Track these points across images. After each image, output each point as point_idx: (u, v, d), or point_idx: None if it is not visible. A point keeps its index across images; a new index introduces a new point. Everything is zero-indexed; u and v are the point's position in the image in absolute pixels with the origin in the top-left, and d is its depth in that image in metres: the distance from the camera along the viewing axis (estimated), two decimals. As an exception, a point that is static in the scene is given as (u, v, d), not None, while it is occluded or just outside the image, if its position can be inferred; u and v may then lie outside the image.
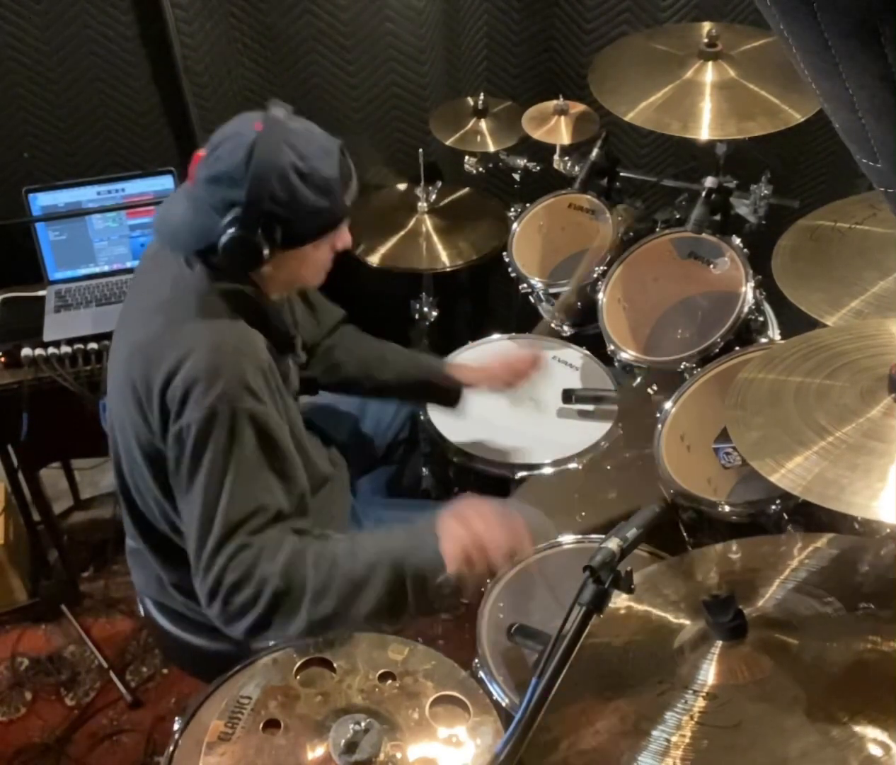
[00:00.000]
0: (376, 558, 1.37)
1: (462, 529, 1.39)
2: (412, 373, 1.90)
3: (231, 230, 1.36)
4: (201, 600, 1.38)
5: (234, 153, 1.36)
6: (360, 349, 1.91)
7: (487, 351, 2.15)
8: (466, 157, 2.43)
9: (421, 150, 2.38)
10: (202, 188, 1.40)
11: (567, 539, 1.68)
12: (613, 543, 1.04)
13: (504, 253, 2.24)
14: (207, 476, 1.34)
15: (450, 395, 1.90)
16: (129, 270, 2.35)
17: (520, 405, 2.01)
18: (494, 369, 1.91)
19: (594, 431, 1.92)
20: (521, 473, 1.83)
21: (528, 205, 2.30)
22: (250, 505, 1.34)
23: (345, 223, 1.49)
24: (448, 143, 2.38)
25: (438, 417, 1.96)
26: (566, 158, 2.30)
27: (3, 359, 2.12)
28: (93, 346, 2.10)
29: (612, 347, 1.98)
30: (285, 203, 1.37)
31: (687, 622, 1.19)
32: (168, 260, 1.47)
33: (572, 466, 1.84)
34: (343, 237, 1.52)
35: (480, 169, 2.44)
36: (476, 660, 1.45)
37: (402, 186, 2.59)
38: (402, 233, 2.42)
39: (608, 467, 1.95)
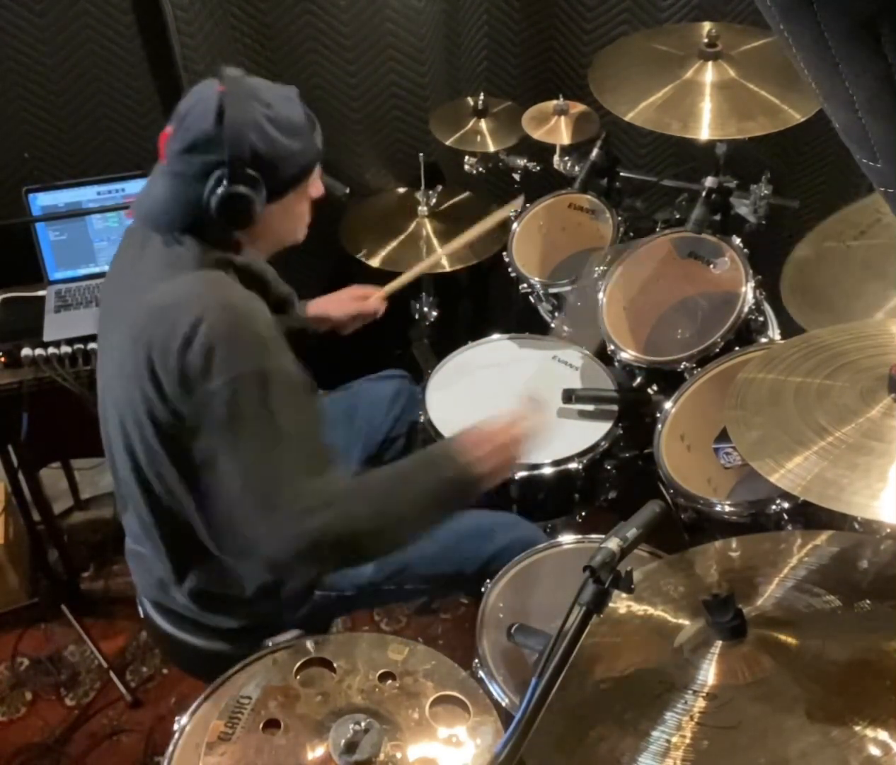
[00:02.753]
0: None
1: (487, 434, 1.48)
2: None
3: (219, 190, 1.38)
4: (272, 549, 1.37)
5: (204, 118, 1.38)
6: None
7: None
8: (466, 158, 2.43)
9: (421, 154, 2.38)
10: (178, 162, 1.41)
11: (567, 539, 1.68)
12: (613, 543, 1.04)
13: (504, 253, 2.24)
14: (247, 437, 1.33)
15: (310, 335, 1.96)
16: (129, 270, 2.35)
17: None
18: (347, 306, 2.00)
19: (594, 431, 1.91)
20: (521, 473, 1.83)
21: (528, 205, 2.30)
22: (290, 459, 1.34)
23: (317, 168, 1.53)
24: (448, 143, 2.38)
25: (439, 417, 1.96)
26: (566, 158, 2.30)
27: (3, 359, 2.12)
28: (93, 346, 2.10)
29: (612, 347, 1.98)
30: (265, 152, 1.39)
31: (686, 622, 1.20)
32: (151, 241, 1.46)
33: (572, 466, 1.84)
34: (316, 184, 1.56)
35: (480, 169, 2.44)
36: (476, 660, 1.45)
37: (402, 190, 2.59)
38: (403, 236, 2.43)
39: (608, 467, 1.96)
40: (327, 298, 2.01)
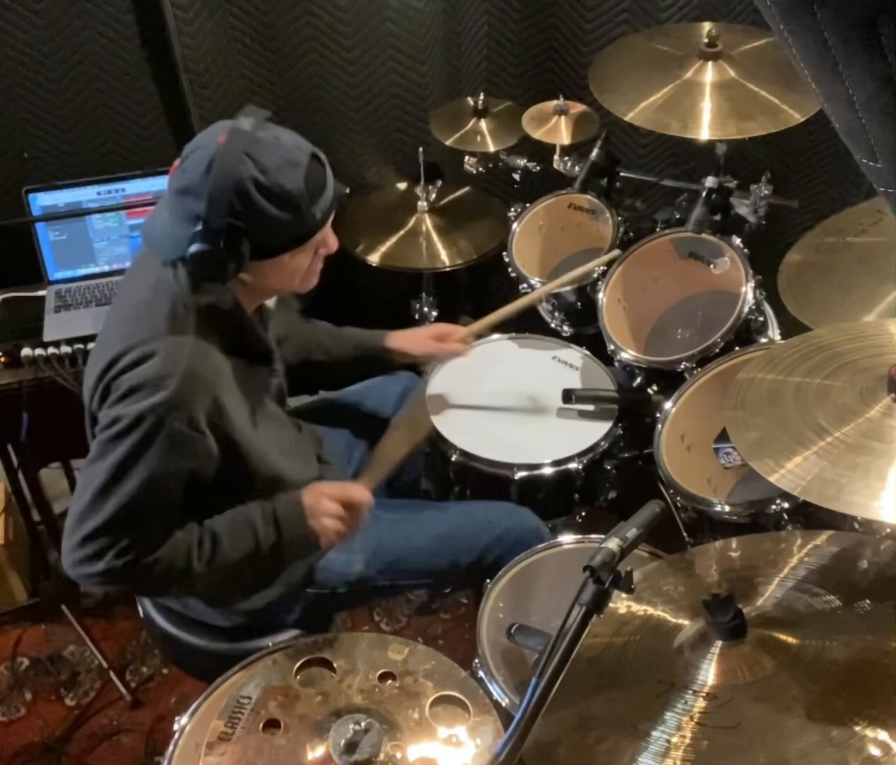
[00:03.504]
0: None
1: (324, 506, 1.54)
2: (350, 352, 1.94)
3: (196, 243, 1.37)
4: (69, 554, 1.43)
5: (198, 166, 1.37)
6: (296, 331, 1.91)
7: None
8: (466, 157, 2.43)
9: (421, 149, 2.38)
10: (173, 199, 1.41)
11: (567, 539, 1.68)
12: (613, 544, 1.04)
13: (504, 253, 2.24)
14: (114, 466, 1.38)
15: (385, 366, 1.98)
16: (129, 270, 2.35)
17: (520, 405, 2.01)
18: (428, 346, 1.96)
19: (594, 431, 1.91)
20: (521, 473, 1.83)
21: (528, 205, 2.30)
22: (135, 516, 1.40)
23: (322, 231, 1.47)
24: (448, 143, 2.38)
25: (438, 417, 1.96)
26: (566, 158, 2.30)
27: (3, 359, 2.12)
28: (93, 346, 2.10)
29: (612, 347, 1.98)
30: (245, 216, 1.36)
31: (686, 622, 1.20)
32: (153, 263, 1.48)
33: (572, 466, 1.84)
34: (327, 243, 1.51)
35: (480, 169, 2.44)
36: (476, 660, 1.45)
37: (402, 186, 2.59)
38: (402, 232, 2.42)
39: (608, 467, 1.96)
40: (409, 333, 1.97)
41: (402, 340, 1.94)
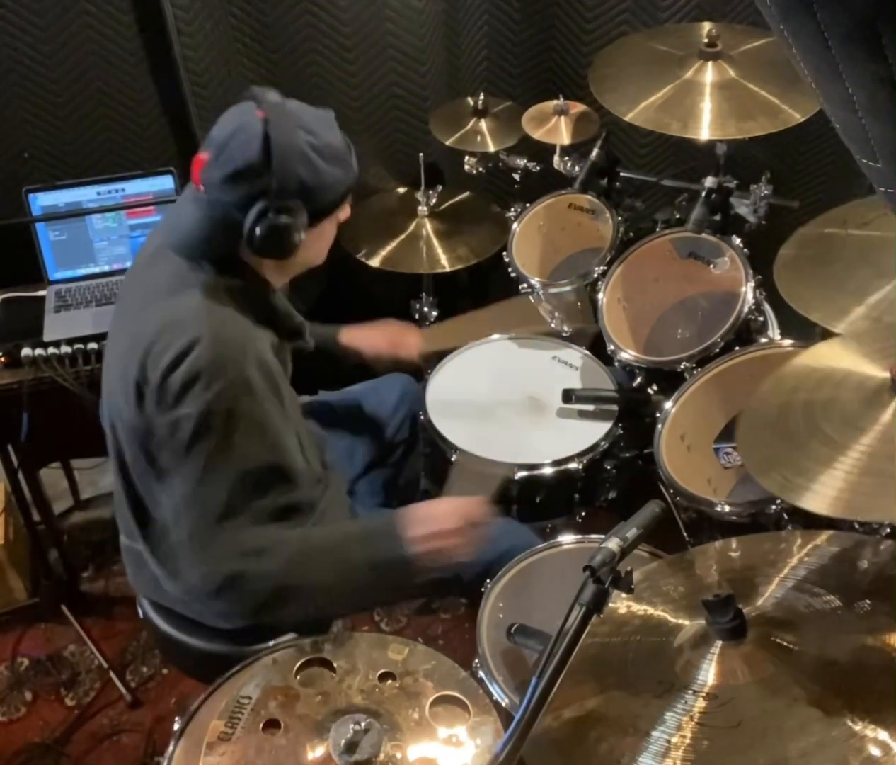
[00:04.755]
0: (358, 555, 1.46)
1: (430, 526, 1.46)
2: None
3: (264, 221, 1.36)
4: (190, 578, 1.40)
5: (248, 146, 1.36)
6: None
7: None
8: (466, 158, 2.43)
9: (421, 154, 2.38)
10: (218, 190, 1.39)
11: (567, 539, 1.68)
12: (613, 543, 1.04)
13: (504, 253, 2.24)
14: (200, 468, 1.35)
15: (336, 360, 1.94)
16: (129, 270, 2.35)
17: (520, 405, 2.01)
18: (378, 346, 1.94)
19: (594, 431, 1.92)
20: (521, 473, 1.83)
21: (528, 205, 2.30)
22: (235, 501, 1.37)
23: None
24: (448, 143, 2.38)
25: (438, 417, 1.96)
26: (566, 158, 2.30)
27: (3, 359, 2.12)
28: (93, 346, 2.10)
29: (612, 347, 1.98)
30: (311, 181, 1.38)
31: (686, 622, 1.19)
32: (169, 258, 1.47)
33: (572, 466, 1.84)
34: (346, 208, 1.54)
35: (480, 169, 2.44)
36: (476, 660, 1.45)
37: (402, 190, 2.59)
38: (403, 236, 2.43)
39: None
40: (363, 331, 1.95)
41: (355, 337, 1.94)
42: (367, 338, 1.95)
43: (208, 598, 1.40)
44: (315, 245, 1.51)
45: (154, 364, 1.37)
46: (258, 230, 1.37)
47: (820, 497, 1.19)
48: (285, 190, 1.36)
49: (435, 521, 1.47)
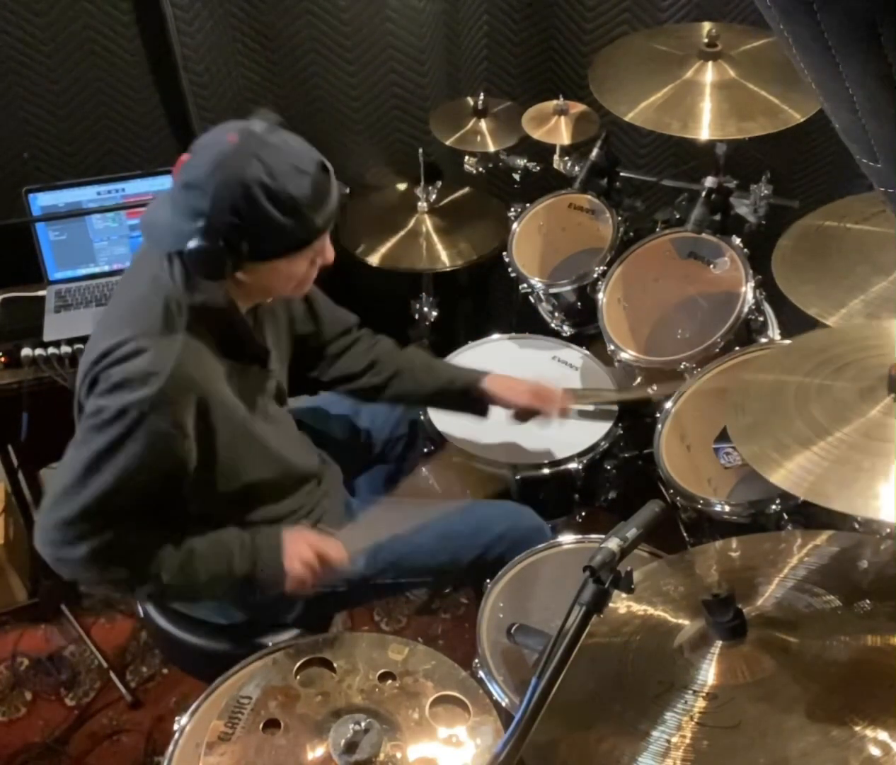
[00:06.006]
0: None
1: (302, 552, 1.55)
2: (442, 386, 1.88)
3: (196, 239, 1.37)
4: (44, 532, 1.45)
5: (205, 162, 1.37)
6: (400, 358, 1.90)
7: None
8: (466, 157, 2.43)
9: (421, 149, 2.38)
10: (178, 192, 1.41)
11: (567, 539, 1.68)
12: (613, 544, 1.04)
13: (504, 253, 2.24)
14: (93, 456, 1.40)
15: (479, 407, 1.88)
16: (129, 270, 2.35)
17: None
18: (527, 400, 1.86)
19: (594, 431, 1.91)
20: (521, 474, 1.83)
21: (528, 205, 2.30)
22: (109, 508, 1.41)
23: (321, 240, 1.47)
24: (448, 143, 2.38)
25: (438, 416, 1.96)
26: (566, 158, 2.30)
27: (3, 359, 2.12)
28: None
29: (612, 347, 1.98)
30: (248, 217, 1.36)
31: (686, 622, 1.20)
32: (153, 259, 1.49)
33: (572, 466, 1.84)
34: (324, 253, 1.52)
35: (480, 169, 2.44)
36: (476, 660, 1.45)
37: (402, 186, 2.58)
38: (402, 233, 2.42)
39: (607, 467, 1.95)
40: (509, 381, 1.87)
41: (502, 387, 1.86)
42: (511, 388, 1.86)
43: (52, 563, 1.46)
44: (270, 279, 1.49)
45: (105, 358, 1.42)
46: (190, 243, 1.37)
47: (788, 475, 1.19)
48: (217, 216, 1.35)
49: (293, 552, 1.55)
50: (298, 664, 1.35)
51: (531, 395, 1.85)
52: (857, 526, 1.42)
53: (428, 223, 2.44)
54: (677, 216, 2.23)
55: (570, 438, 1.90)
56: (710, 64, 2.04)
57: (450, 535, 1.74)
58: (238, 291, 1.50)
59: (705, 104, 1.96)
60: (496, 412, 1.97)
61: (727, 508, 1.61)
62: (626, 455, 1.98)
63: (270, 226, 1.38)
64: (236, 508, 1.59)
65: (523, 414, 1.86)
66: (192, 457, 1.46)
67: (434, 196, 2.46)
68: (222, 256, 1.38)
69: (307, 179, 1.38)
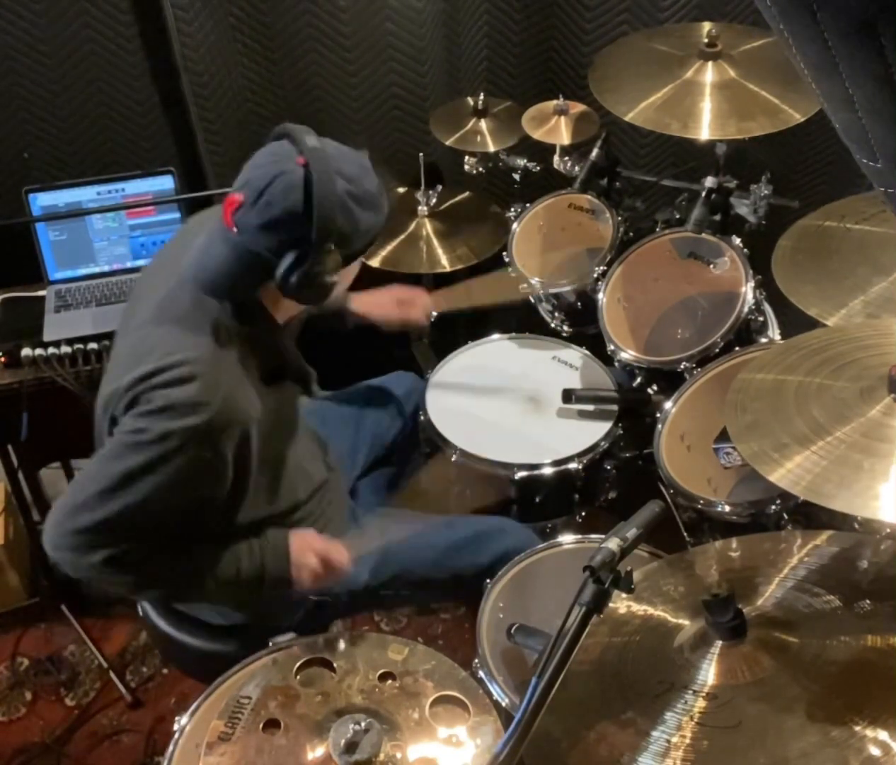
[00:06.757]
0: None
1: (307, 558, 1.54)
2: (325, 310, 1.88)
3: (300, 268, 1.35)
4: (58, 536, 1.42)
5: (289, 195, 1.33)
6: None
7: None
8: (466, 158, 2.43)
9: (421, 154, 2.38)
10: (253, 236, 1.36)
11: (567, 539, 1.68)
12: (613, 544, 1.04)
13: (504, 253, 2.24)
14: (125, 472, 1.36)
15: (342, 323, 1.97)
16: (129, 270, 2.34)
17: (520, 405, 2.01)
18: (389, 311, 1.97)
19: (594, 431, 1.91)
20: (521, 474, 1.83)
21: (528, 205, 2.30)
22: (132, 526, 1.40)
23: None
24: (448, 143, 2.38)
25: (438, 416, 1.96)
26: (566, 158, 2.30)
27: (3, 359, 2.12)
28: (93, 346, 2.10)
29: (612, 347, 1.98)
30: (348, 229, 1.37)
31: (686, 622, 1.20)
32: (193, 291, 1.44)
33: (572, 466, 1.84)
34: None
35: (480, 169, 2.43)
36: (476, 660, 1.45)
37: (402, 190, 2.58)
38: (403, 236, 2.42)
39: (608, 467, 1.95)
40: (371, 296, 1.96)
41: (365, 304, 1.95)
42: (376, 302, 1.97)
43: (58, 558, 1.43)
44: (343, 283, 1.51)
45: (150, 378, 1.37)
46: (293, 278, 1.36)
47: (788, 474, 1.19)
48: (324, 240, 1.35)
49: (299, 558, 1.55)
50: (298, 664, 1.35)
51: (395, 303, 1.96)
52: (857, 526, 1.42)
53: (428, 227, 2.44)
54: (677, 216, 2.23)
55: (570, 438, 1.90)
56: (710, 64, 2.04)
57: (452, 551, 1.73)
58: (282, 308, 1.50)
59: (705, 104, 1.96)
60: (500, 413, 1.98)
61: (727, 508, 1.61)
62: (626, 455, 1.98)
63: (363, 228, 1.40)
64: (253, 524, 1.58)
65: (393, 326, 1.97)
66: (226, 484, 1.45)
67: (434, 200, 2.46)
68: (326, 276, 1.38)
69: (372, 173, 1.43)
